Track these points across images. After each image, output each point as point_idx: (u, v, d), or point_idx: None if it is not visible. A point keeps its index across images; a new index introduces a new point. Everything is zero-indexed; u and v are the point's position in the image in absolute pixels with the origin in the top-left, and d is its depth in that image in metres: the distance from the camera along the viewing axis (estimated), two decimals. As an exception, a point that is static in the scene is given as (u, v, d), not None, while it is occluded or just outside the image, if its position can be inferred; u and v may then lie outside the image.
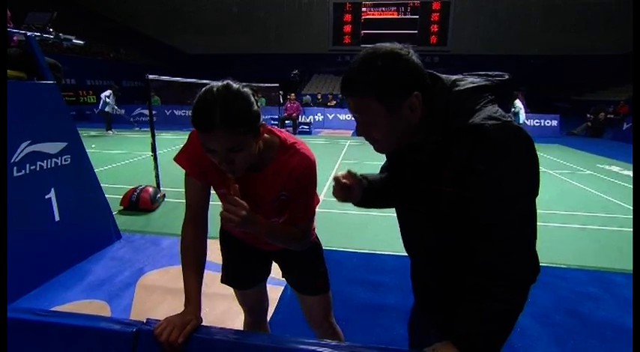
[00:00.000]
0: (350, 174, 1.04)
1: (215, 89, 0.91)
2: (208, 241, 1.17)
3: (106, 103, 10.54)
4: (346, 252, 3.21)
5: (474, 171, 0.80)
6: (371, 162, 6.82)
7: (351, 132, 12.59)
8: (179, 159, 1.11)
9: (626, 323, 2.31)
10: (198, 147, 0.99)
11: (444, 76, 0.90)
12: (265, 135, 1.07)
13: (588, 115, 12.73)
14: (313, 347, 0.88)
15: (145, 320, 0.95)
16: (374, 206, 1.13)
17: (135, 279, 2.69)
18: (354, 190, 1.04)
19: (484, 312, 0.82)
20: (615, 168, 7.19)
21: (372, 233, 3.68)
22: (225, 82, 0.94)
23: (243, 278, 1.46)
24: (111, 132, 10.74)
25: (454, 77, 0.90)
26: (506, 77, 0.92)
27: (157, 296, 2.49)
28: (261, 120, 0.99)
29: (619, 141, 11.41)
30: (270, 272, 1.51)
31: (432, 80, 0.87)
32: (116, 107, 10.81)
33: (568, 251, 3.33)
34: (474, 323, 0.83)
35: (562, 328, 2.27)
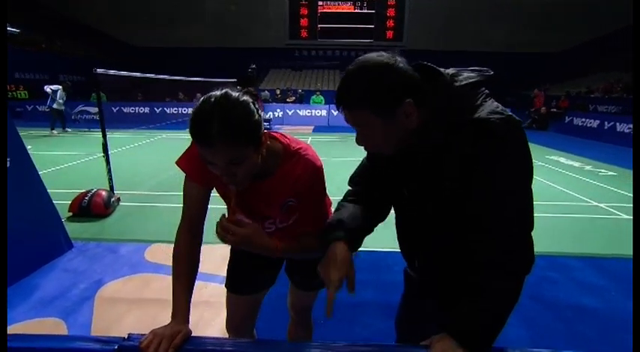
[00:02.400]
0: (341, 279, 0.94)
1: (213, 99, 0.87)
2: None
3: (53, 100, 9.81)
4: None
5: (478, 165, 0.81)
6: (336, 158, 6.84)
7: (312, 127, 12.58)
8: (181, 162, 1.06)
9: (583, 303, 2.50)
10: None
11: (443, 70, 0.90)
12: (267, 141, 1.01)
13: (531, 110, 13.71)
14: (311, 350, 0.86)
15: (126, 336, 0.87)
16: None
17: (93, 292, 2.46)
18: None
19: (480, 303, 0.84)
20: (562, 159, 7.76)
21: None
22: (223, 91, 0.89)
23: (251, 280, 1.39)
24: (55, 131, 9.98)
25: (451, 71, 0.91)
26: (492, 72, 0.94)
27: (121, 309, 2.30)
28: (263, 128, 0.95)
29: (562, 133, 12.42)
30: (275, 281, 1.46)
31: (433, 75, 0.88)
32: (61, 102, 10.08)
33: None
34: (471, 314, 0.84)
35: (528, 311, 2.40)
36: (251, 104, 0.90)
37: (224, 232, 0.93)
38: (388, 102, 0.82)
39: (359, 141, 0.92)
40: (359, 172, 1.13)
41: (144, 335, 0.86)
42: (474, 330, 0.84)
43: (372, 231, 1.07)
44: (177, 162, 1.06)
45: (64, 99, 10.02)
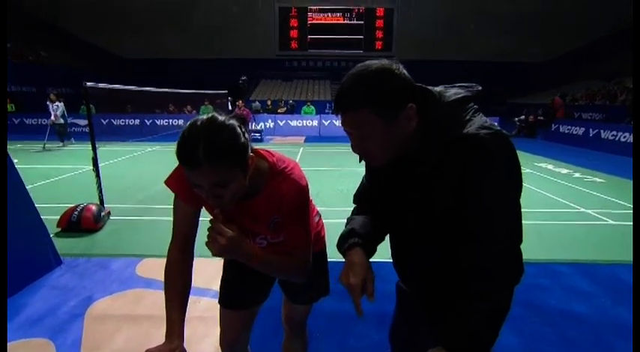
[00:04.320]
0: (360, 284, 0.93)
1: (199, 123, 0.89)
2: None
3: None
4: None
5: (469, 178, 0.83)
6: (327, 169, 6.87)
7: (304, 138, 12.62)
8: (170, 182, 1.07)
9: (572, 309, 2.53)
10: None
11: (431, 88, 0.92)
12: (255, 162, 1.02)
13: (516, 119, 13.97)
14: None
15: None
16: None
17: (83, 309, 2.42)
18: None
19: (473, 315, 0.85)
20: (550, 166, 7.89)
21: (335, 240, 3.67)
22: (210, 115, 0.91)
23: (244, 295, 1.38)
24: (61, 143, 10.22)
25: (438, 88, 0.93)
26: (480, 88, 0.96)
27: (111, 326, 2.26)
28: (250, 151, 0.96)
29: (550, 141, 12.66)
30: (268, 296, 1.45)
31: (422, 92, 0.89)
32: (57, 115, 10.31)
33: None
34: (464, 325, 0.85)
35: (518, 318, 2.42)
36: (237, 127, 0.92)
37: (214, 234, 0.92)
38: (392, 104, 0.82)
39: (355, 148, 0.90)
40: (361, 190, 1.15)
41: None
42: (468, 342, 0.84)
43: (384, 238, 1.09)
44: (167, 182, 1.07)
45: (59, 111, 10.13)
